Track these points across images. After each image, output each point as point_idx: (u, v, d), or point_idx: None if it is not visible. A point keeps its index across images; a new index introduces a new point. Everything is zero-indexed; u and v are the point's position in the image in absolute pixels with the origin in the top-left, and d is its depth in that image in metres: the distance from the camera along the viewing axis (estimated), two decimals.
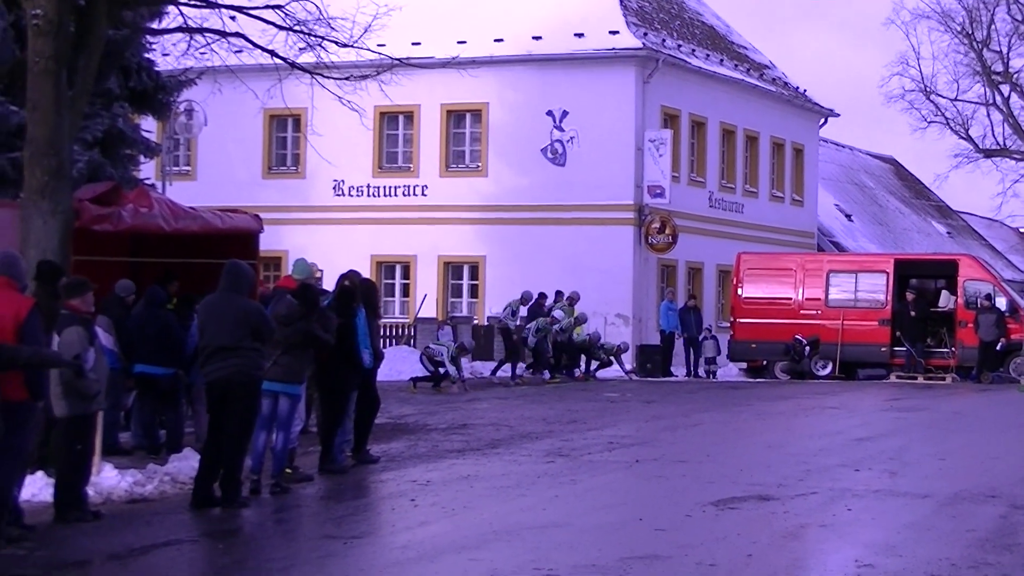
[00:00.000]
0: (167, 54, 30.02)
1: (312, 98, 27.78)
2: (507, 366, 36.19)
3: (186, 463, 16.54)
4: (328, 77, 24.60)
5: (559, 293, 39.42)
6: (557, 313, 36.72)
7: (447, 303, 45.82)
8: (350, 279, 18.52)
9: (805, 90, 55.35)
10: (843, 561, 12.02)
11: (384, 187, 46.58)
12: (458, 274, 46.29)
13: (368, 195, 46.69)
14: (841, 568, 11.69)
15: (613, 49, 44.10)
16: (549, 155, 44.56)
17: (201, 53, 25.05)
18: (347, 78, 25.07)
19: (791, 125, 53.55)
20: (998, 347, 38.18)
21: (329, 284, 22.02)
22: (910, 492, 16.05)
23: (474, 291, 45.86)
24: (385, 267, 46.38)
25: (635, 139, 43.77)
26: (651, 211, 44.00)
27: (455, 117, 46.19)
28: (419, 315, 41.84)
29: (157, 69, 29.86)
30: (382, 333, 33.57)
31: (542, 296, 38.29)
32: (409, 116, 46.15)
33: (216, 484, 14.80)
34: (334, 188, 46.82)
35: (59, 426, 13.95)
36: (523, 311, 37.53)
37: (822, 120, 56.69)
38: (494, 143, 45.40)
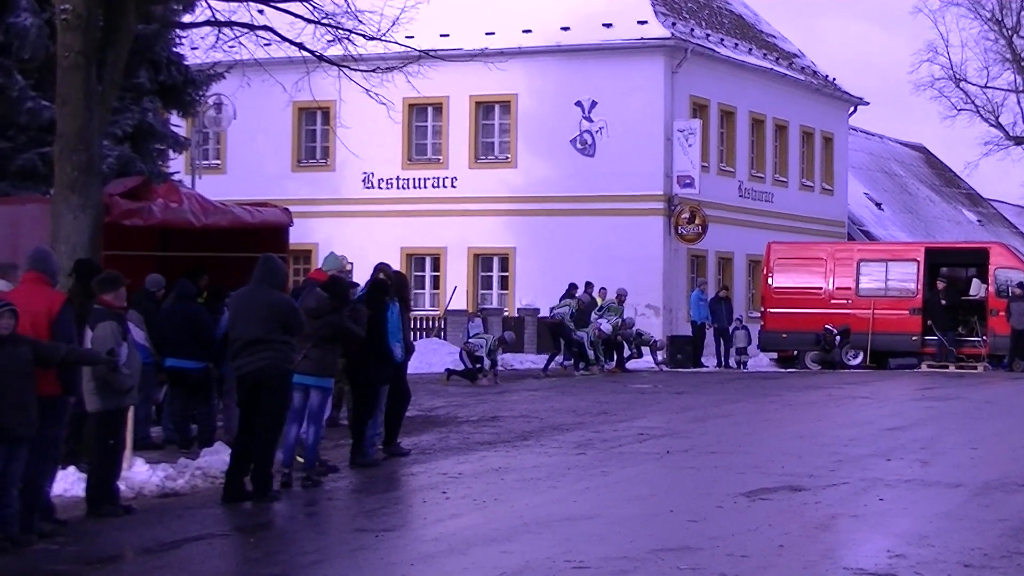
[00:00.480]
0: (196, 48, 30.15)
1: (340, 91, 27.89)
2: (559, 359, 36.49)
3: (217, 457, 16.58)
4: (356, 70, 24.66)
5: (589, 284, 39.33)
6: (604, 326, 36.61)
7: (477, 295, 45.84)
8: (384, 272, 18.54)
9: (834, 78, 55.20)
10: (875, 551, 11.99)
11: (413, 179, 46.60)
12: (488, 266, 46.31)
13: (397, 187, 46.72)
14: (873, 558, 11.65)
15: (641, 39, 44.04)
16: (578, 146, 44.54)
17: (230, 47, 25.13)
18: (374, 70, 25.12)
19: (820, 114, 53.41)
20: None
21: (359, 277, 22.04)
22: (942, 481, 16.01)
23: (504, 283, 45.87)
24: (415, 259, 46.41)
25: (664, 129, 43.71)
26: (681, 201, 43.95)
27: (484, 108, 46.20)
28: (449, 307, 41.85)
29: (186, 63, 29.92)
30: (412, 326, 33.68)
31: (572, 287, 38.25)
32: (438, 108, 46.17)
33: (247, 478, 14.83)
34: (363, 181, 46.87)
35: (91, 421, 14.00)
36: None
37: (852, 108, 56.54)
38: (523, 134, 45.40)
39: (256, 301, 15.05)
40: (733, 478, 16.18)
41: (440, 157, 46.59)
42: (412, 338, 22.41)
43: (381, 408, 17.95)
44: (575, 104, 44.42)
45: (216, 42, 24.19)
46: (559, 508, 14.30)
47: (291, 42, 23.13)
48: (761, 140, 49.59)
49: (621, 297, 38.68)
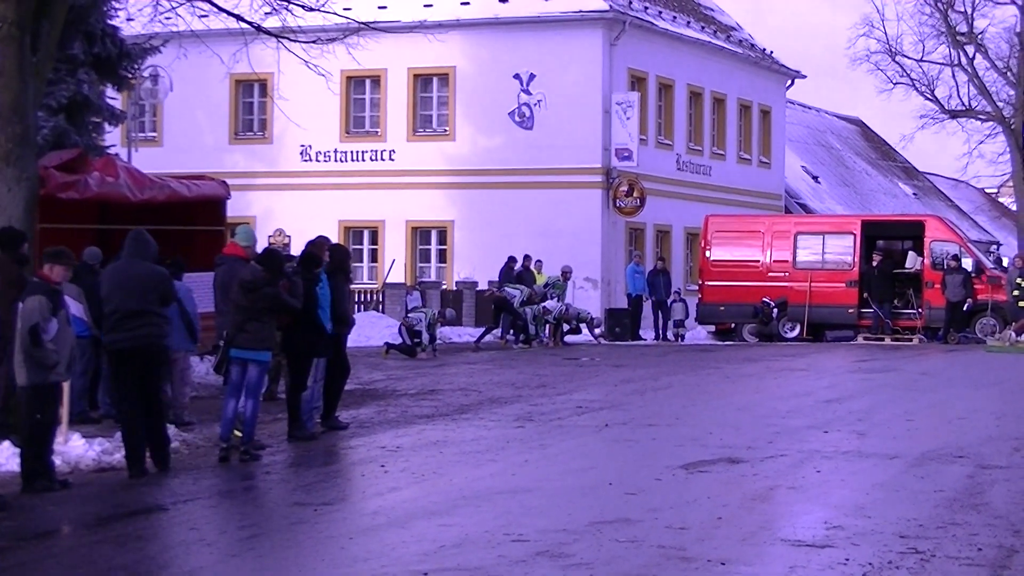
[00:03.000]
0: (132, 20, 29.96)
1: (279, 62, 27.72)
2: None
3: None
4: (295, 41, 24.52)
5: (527, 257, 39.40)
6: (551, 305, 36.69)
7: (415, 268, 45.78)
8: (316, 244, 18.47)
9: (772, 52, 55.38)
10: (812, 523, 12.05)
11: (352, 152, 46.45)
12: (426, 239, 46.24)
13: (336, 160, 46.56)
14: (810, 529, 11.71)
15: (580, 11, 44.00)
16: (517, 118, 44.49)
17: (167, 18, 24.95)
18: (314, 42, 24.98)
19: (758, 87, 53.57)
20: (964, 307, 38.28)
21: (296, 250, 21.96)
22: (878, 453, 16.11)
23: (442, 256, 45.83)
24: (353, 232, 46.29)
25: (602, 102, 43.71)
26: (619, 174, 43.99)
27: (422, 81, 46.08)
28: (387, 280, 41.77)
29: (122, 35, 29.66)
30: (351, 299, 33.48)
31: (511, 259, 38.28)
32: (376, 80, 46.03)
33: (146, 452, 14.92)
34: (301, 153, 46.70)
35: (21, 395, 13.92)
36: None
37: (789, 82, 56.74)
38: (461, 107, 45.32)
39: (131, 274, 15.13)
40: (672, 450, 16.23)
41: (378, 130, 46.44)
42: (352, 311, 22.35)
43: (319, 381, 17.90)
44: (513, 77, 44.35)
45: (153, 14, 24.01)
46: (498, 481, 14.31)
47: (229, 13, 22.95)
48: (699, 113, 49.68)
49: (566, 274, 38.72)
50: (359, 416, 19.66)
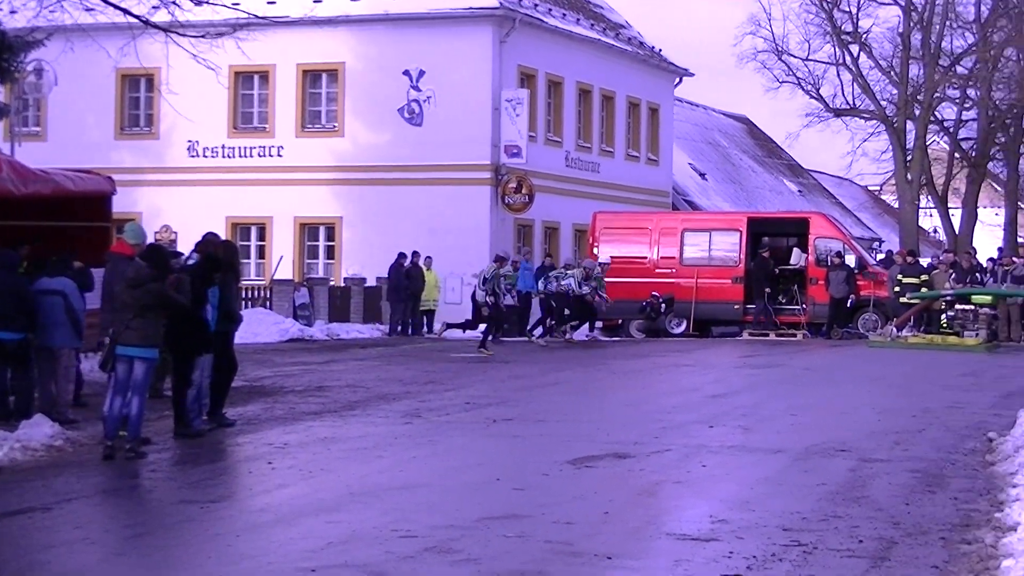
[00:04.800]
0: (15, 12, 29.59)
1: (167, 57, 27.51)
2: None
3: (37, 429, 16.35)
4: (183, 35, 24.37)
5: (416, 254, 39.59)
6: (573, 285, 36.69)
7: (303, 265, 45.61)
8: (214, 243, 18.37)
9: (660, 50, 55.69)
10: (698, 517, 12.18)
11: (239, 148, 46.18)
12: (314, 235, 46.07)
13: (223, 156, 46.27)
14: (696, 524, 11.83)
15: (469, 8, 44.01)
16: (406, 115, 44.43)
17: (51, 11, 24.69)
18: (202, 36, 24.84)
19: (647, 85, 53.87)
20: (848, 303, 38.77)
21: (184, 247, 21.81)
22: (763, 447, 16.30)
23: (331, 252, 45.68)
24: (240, 229, 46.01)
25: (492, 99, 43.76)
26: (508, 171, 44.05)
27: (311, 77, 45.88)
28: (275, 277, 41.60)
29: (3, 28, 29.29)
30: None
31: (401, 256, 38.30)
32: (264, 76, 45.78)
33: None
34: (188, 149, 46.36)
35: None
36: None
37: (677, 80, 57.10)
38: (350, 103, 45.19)
39: None
40: (559, 446, 16.31)
41: (266, 126, 46.21)
42: (239, 308, 22.18)
43: (205, 378, 17.80)
44: (403, 73, 44.29)
45: (39, 7, 23.76)
46: (386, 478, 14.31)
47: (116, 7, 22.80)
48: (588, 110, 49.88)
49: (516, 264, 38.84)
50: (246, 413, 19.57)
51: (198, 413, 17.62)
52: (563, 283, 36.50)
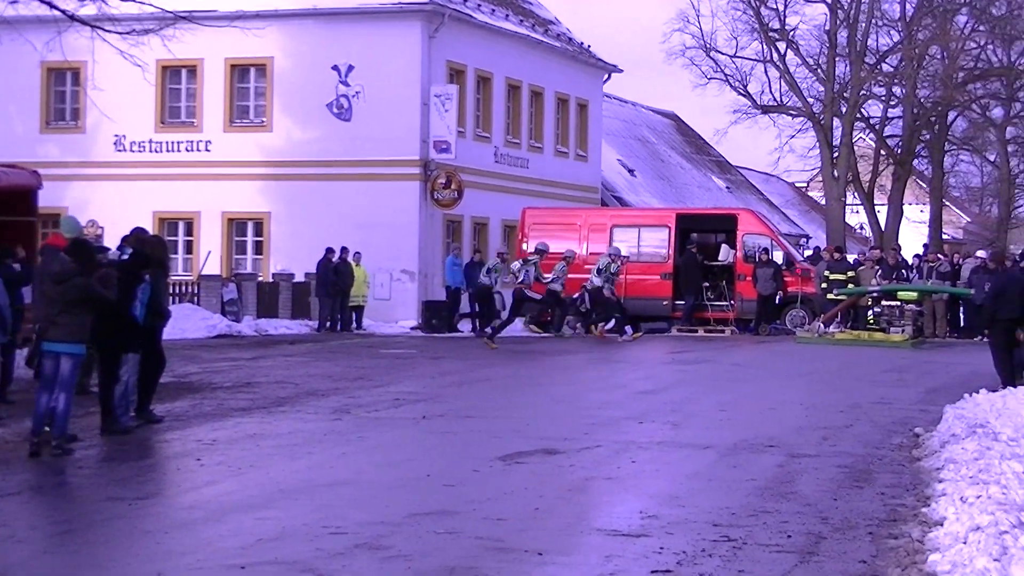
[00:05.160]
0: None
1: (93, 51, 27.32)
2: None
3: None
4: (110, 31, 24.21)
5: (344, 249, 39.58)
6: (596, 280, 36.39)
7: (231, 260, 45.39)
8: (146, 243, 18.27)
9: (589, 46, 55.80)
10: (628, 512, 12.21)
11: (167, 142, 45.88)
12: (242, 231, 45.85)
13: (150, 151, 45.94)
14: (626, 519, 11.86)
15: (399, 3, 43.92)
16: (335, 110, 44.29)
17: None
18: (130, 32, 24.69)
19: (575, 81, 53.95)
20: (775, 300, 39.01)
21: (111, 241, 21.66)
22: (692, 443, 16.37)
23: (259, 248, 45.48)
24: (168, 224, 45.71)
25: (421, 94, 43.68)
26: (437, 166, 43.99)
27: (239, 71, 45.65)
28: (203, 272, 41.39)
29: None
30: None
31: (329, 252, 38.17)
32: (192, 70, 45.51)
33: None
34: (115, 144, 45.99)
35: None
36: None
37: (606, 76, 57.23)
38: (279, 98, 45.00)
39: None
40: (490, 442, 16.33)
41: (194, 120, 45.94)
42: (167, 304, 22.06)
43: (133, 375, 17.68)
44: (332, 68, 44.15)
45: None
46: (316, 474, 14.28)
47: (42, 0, 22.60)
48: (517, 106, 49.91)
49: (502, 255, 38.92)
50: (174, 409, 19.46)
51: (125, 410, 17.49)
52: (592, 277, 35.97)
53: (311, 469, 14.62)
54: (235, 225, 45.72)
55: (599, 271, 36.11)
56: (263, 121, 45.37)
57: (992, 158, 78.56)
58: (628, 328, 36.41)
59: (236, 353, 30.31)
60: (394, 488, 13.46)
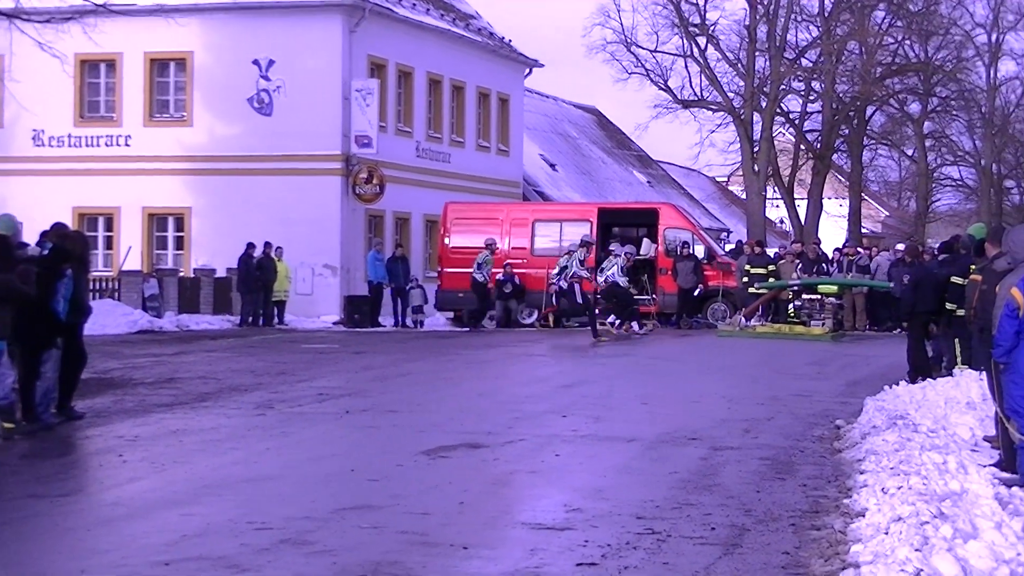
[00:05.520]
0: None
1: (11, 44, 27.07)
2: None
3: None
4: (28, 21, 23.99)
5: (268, 244, 39.48)
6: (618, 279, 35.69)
7: (152, 255, 45.12)
8: (66, 237, 18.13)
9: (510, 40, 55.86)
10: (552, 506, 12.25)
11: (86, 137, 45.55)
12: (163, 226, 45.60)
13: (69, 145, 45.62)
14: (550, 513, 11.90)
15: None
16: (255, 105, 44.12)
17: None
18: (47, 21, 24.47)
19: (497, 75, 53.99)
20: (696, 293, 39.22)
21: (30, 237, 21.45)
22: (615, 436, 16.43)
23: (180, 243, 45.25)
24: (88, 219, 45.37)
25: (342, 88, 43.60)
26: (358, 161, 43.92)
27: (159, 66, 45.38)
28: (123, 268, 41.12)
29: None
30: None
31: (250, 247, 37.96)
32: (111, 64, 45.20)
33: None
34: (33, 138, 45.62)
35: None
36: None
37: (527, 70, 57.32)
38: (199, 93, 44.78)
39: None
40: (413, 436, 16.32)
41: (114, 115, 45.64)
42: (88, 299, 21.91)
43: (54, 371, 17.55)
44: (252, 62, 43.98)
45: None
46: (240, 469, 14.23)
47: None
48: (438, 101, 49.88)
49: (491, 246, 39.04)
50: (96, 406, 19.32)
51: (47, 407, 17.37)
52: (608, 274, 35.35)
53: (235, 465, 14.56)
54: (156, 220, 45.47)
55: (622, 269, 35.44)
56: (183, 116, 45.14)
57: (910, 152, 79.36)
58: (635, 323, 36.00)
59: (158, 349, 30.15)
60: (318, 483, 13.44)
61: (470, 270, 39.66)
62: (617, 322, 35.32)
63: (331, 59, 43.83)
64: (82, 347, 18.51)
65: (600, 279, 35.20)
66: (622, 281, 35.11)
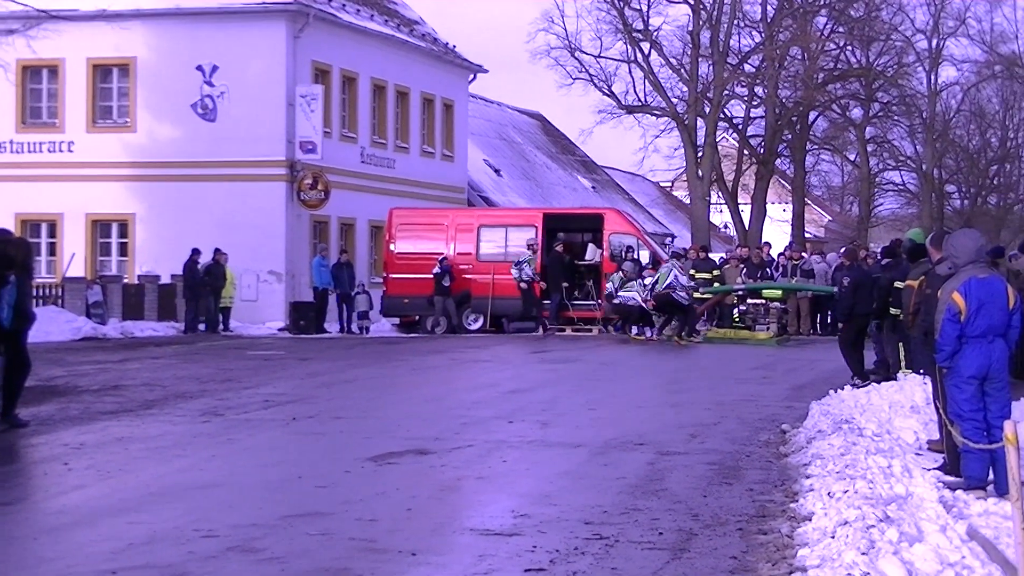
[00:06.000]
0: None
1: None
2: None
3: None
4: None
5: (217, 250, 39.38)
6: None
7: (96, 262, 44.88)
8: (14, 245, 18.03)
9: (455, 46, 55.87)
10: (500, 512, 12.25)
11: (28, 143, 45.27)
12: (107, 232, 45.37)
13: (11, 151, 45.32)
14: (498, 519, 11.91)
15: (263, 3, 43.71)
16: (199, 110, 43.96)
17: None
18: None
19: (441, 81, 53.99)
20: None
21: None
22: (563, 442, 16.46)
23: (124, 249, 45.02)
24: (31, 225, 45.09)
25: (286, 94, 43.49)
26: (303, 167, 43.82)
27: (102, 71, 45.15)
28: (67, 275, 40.89)
29: None
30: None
31: (196, 252, 37.80)
32: (54, 70, 44.95)
33: None
34: None
35: None
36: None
37: (471, 76, 57.34)
38: (143, 98, 44.58)
39: None
40: (360, 443, 16.31)
41: (56, 121, 45.39)
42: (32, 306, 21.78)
43: None
44: (196, 68, 43.82)
45: None
46: (187, 477, 14.17)
47: None
48: (383, 106, 49.84)
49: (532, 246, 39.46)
50: (40, 413, 19.20)
51: None
52: (669, 282, 34.92)
53: (181, 472, 14.51)
54: (99, 226, 45.22)
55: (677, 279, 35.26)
56: (127, 121, 44.93)
57: (852, 157, 79.82)
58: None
59: (102, 356, 29.99)
60: (266, 490, 13.41)
61: (415, 276, 39.66)
62: (651, 331, 35.47)
63: (275, 65, 43.73)
64: (26, 354, 18.40)
65: (647, 289, 35.41)
66: (683, 288, 35.09)
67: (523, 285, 38.41)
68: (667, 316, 35.50)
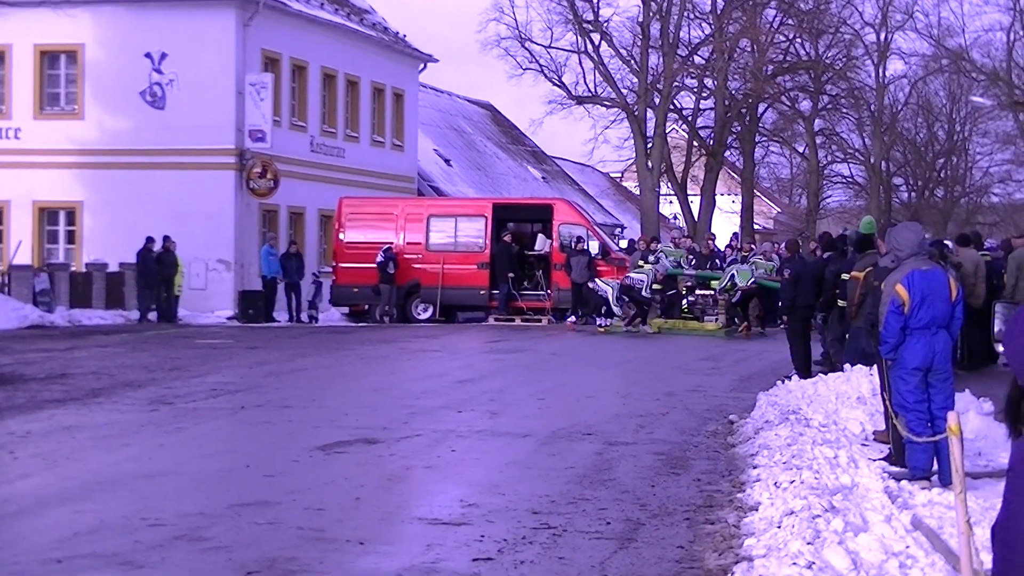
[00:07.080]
0: None
1: None
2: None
3: None
4: None
5: (167, 238, 39.23)
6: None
7: (43, 250, 44.63)
8: None
9: (405, 35, 55.80)
10: (448, 501, 12.28)
11: None
12: (54, 220, 45.12)
13: None
14: (447, 508, 11.92)
15: None
16: (148, 98, 43.76)
17: None
18: None
19: (391, 70, 53.91)
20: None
21: None
22: (511, 432, 16.49)
23: (71, 237, 44.79)
24: None
25: (236, 83, 43.35)
26: (252, 155, 43.70)
27: (49, 58, 44.89)
28: (13, 262, 40.64)
29: None
30: None
31: (150, 240, 37.62)
32: (0, 57, 44.63)
33: None
34: None
35: None
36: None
37: (422, 66, 57.27)
38: (91, 85, 44.34)
39: None
40: (309, 432, 16.29)
41: (3, 107, 45.10)
42: None
43: None
44: (145, 56, 43.61)
45: None
46: (134, 466, 14.13)
47: None
48: (333, 95, 49.73)
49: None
50: None
51: None
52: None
53: (128, 461, 14.46)
54: (46, 214, 44.98)
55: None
56: (74, 109, 44.70)
57: (801, 149, 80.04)
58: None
59: (49, 344, 29.85)
60: (213, 479, 13.38)
61: (365, 265, 39.61)
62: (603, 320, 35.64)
63: (224, 53, 43.57)
64: None
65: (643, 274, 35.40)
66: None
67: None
68: (637, 308, 35.59)
